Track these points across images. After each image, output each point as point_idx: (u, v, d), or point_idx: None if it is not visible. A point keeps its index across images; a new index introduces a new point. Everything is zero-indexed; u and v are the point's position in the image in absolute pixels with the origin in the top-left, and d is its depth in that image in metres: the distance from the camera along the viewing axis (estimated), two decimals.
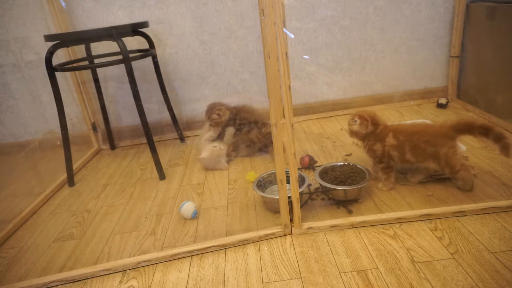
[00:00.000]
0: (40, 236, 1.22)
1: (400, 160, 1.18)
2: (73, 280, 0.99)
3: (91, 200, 1.40)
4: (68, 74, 1.82)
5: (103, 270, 1.00)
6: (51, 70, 1.41)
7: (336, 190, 1.15)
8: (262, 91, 1.94)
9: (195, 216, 1.20)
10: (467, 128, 1.10)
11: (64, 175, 1.57)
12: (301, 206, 1.15)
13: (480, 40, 1.73)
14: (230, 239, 1.05)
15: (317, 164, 1.43)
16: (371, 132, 1.21)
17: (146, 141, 1.52)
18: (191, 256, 1.02)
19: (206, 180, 1.45)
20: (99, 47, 1.79)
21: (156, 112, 1.91)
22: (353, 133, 1.24)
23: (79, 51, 1.80)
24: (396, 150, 1.17)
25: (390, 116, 1.84)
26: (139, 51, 1.68)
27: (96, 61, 1.72)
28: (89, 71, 1.80)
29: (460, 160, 1.12)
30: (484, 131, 1.06)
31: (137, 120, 1.46)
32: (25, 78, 1.85)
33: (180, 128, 1.87)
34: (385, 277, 0.86)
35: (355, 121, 1.21)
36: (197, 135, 1.93)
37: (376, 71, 1.95)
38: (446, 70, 1.95)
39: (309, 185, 1.28)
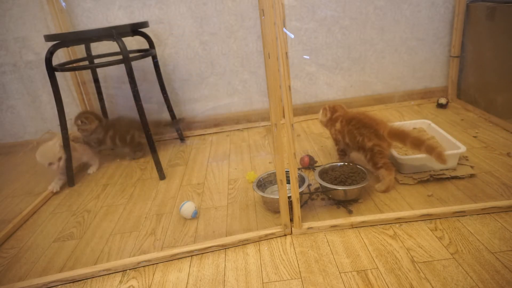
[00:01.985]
0: (40, 236, 1.22)
1: (344, 143, 1.31)
2: (73, 280, 0.99)
3: (91, 200, 1.40)
4: (68, 74, 1.82)
5: (103, 270, 1.00)
6: (51, 70, 1.41)
7: (336, 190, 1.15)
8: (262, 91, 1.95)
9: (195, 216, 1.20)
10: (400, 137, 1.15)
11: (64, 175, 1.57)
12: (301, 206, 1.15)
13: (480, 40, 1.73)
14: (230, 239, 1.05)
15: (317, 164, 1.43)
16: (329, 119, 1.36)
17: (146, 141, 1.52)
18: (191, 256, 1.02)
19: (206, 180, 1.45)
20: (99, 47, 1.79)
21: (156, 112, 1.91)
22: (320, 122, 1.42)
23: (79, 51, 1.80)
24: (340, 133, 1.31)
25: (390, 116, 1.84)
26: (139, 51, 1.68)
27: (96, 61, 1.72)
28: (89, 71, 1.80)
29: (384, 159, 1.18)
30: (415, 144, 1.11)
31: (137, 120, 1.46)
32: (25, 78, 1.86)
33: (180, 128, 1.87)
34: (385, 277, 0.86)
35: (320, 112, 1.40)
36: (197, 135, 1.93)
37: (376, 71, 1.95)
38: (446, 70, 1.95)
39: (309, 185, 1.28)
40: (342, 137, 1.30)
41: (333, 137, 1.37)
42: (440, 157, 1.08)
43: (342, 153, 1.38)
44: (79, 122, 1.60)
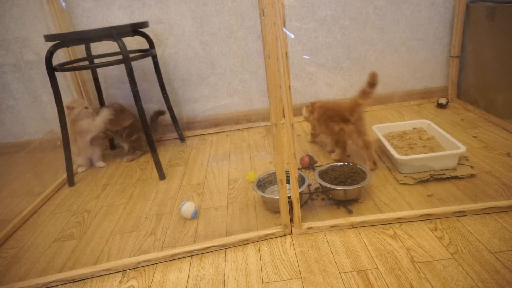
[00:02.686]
0: (40, 236, 1.22)
1: (320, 129, 1.46)
2: (73, 280, 0.99)
3: (91, 200, 1.40)
4: (68, 74, 1.82)
5: (103, 270, 1.00)
6: (51, 70, 1.41)
7: (336, 190, 1.15)
8: (262, 91, 1.94)
9: (195, 216, 1.20)
10: (354, 106, 1.30)
11: (64, 175, 1.57)
12: (301, 206, 1.15)
13: (480, 40, 1.73)
14: (230, 239, 1.05)
15: (317, 164, 1.43)
16: (310, 112, 1.51)
17: (146, 141, 1.52)
18: (191, 256, 1.02)
19: (206, 180, 1.45)
20: (99, 47, 1.79)
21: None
22: (304, 118, 1.59)
23: (79, 51, 1.80)
24: (317, 121, 1.46)
25: (390, 116, 1.84)
26: (139, 51, 1.68)
27: (96, 61, 1.72)
28: (89, 71, 1.80)
29: (343, 142, 1.38)
30: (362, 94, 1.27)
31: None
32: (25, 78, 1.86)
33: (180, 128, 1.87)
34: (385, 277, 0.86)
35: (303, 109, 1.56)
36: (197, 135, 1.93)
37: (376, 71, 1.94)
38: (446, 70, 1.95)
39: (309, 185, 1.28)
40: (319, 123, 1.45)
41: (312, 124, 1.55)
42: (372, 78, 1.24)
43: (314, 135, 1.60)
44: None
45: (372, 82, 1.24)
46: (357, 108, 1.29)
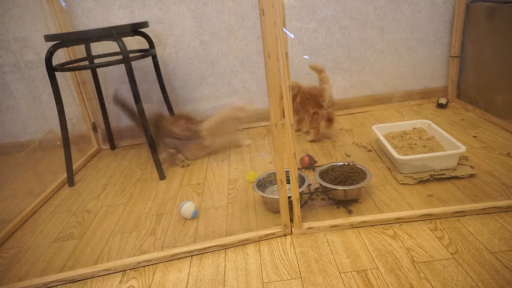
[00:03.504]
0: (40, 236, 1.22)
1: (303, 112, 1.63)
2: (73, 280, 0.99)
3: (91, 200, 1.40)
4: (68, 74, 1.82)
5: (103, 270, 1.00)
6: (51, 70, 1.41)
7: (336, 190, 1.15)
8: (262, 91, 1.94)
9: (195, 216, 1.20)
10: (319, 89, 1.57)
11: (64, 175, 1.57)
12: (301, 206, 1.15)
13: (480, 40, 1.73)
14: (230, 239, 1.05)
15: (317, 164, 1.43)
16: (293, 98, 1.62)
17: (146, 141, 1.52)
18: (191, 256, 1.02)
19: (206, 180, 1.45)
20: (99, 47, 1.79)
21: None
22: None
23: (79, 51, 1.80)
24: (300, 104, 1.61)
25: (390, 116, 1.84)
26: (139, 51, 1.68)
27: (96, 61, 1.73)
28: (89, 71, 1.80)
29: (317, 124, 1.60)
30: (321, 79, 1.55)
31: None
32: (25, 78, 1.86)
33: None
34: (385, 277, 0.86)
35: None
36: None
37: (376, 71, 1.95)
38: (446, 70, 1.95)
39: (309, 185, 1.28)
40: (301, 105, 1.61)
41: (294, 109, 1.64)
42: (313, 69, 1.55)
43: (299, 121, 1.70)
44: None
45: (321, 77, 1.54)
46: (323, 93, 1.54)
